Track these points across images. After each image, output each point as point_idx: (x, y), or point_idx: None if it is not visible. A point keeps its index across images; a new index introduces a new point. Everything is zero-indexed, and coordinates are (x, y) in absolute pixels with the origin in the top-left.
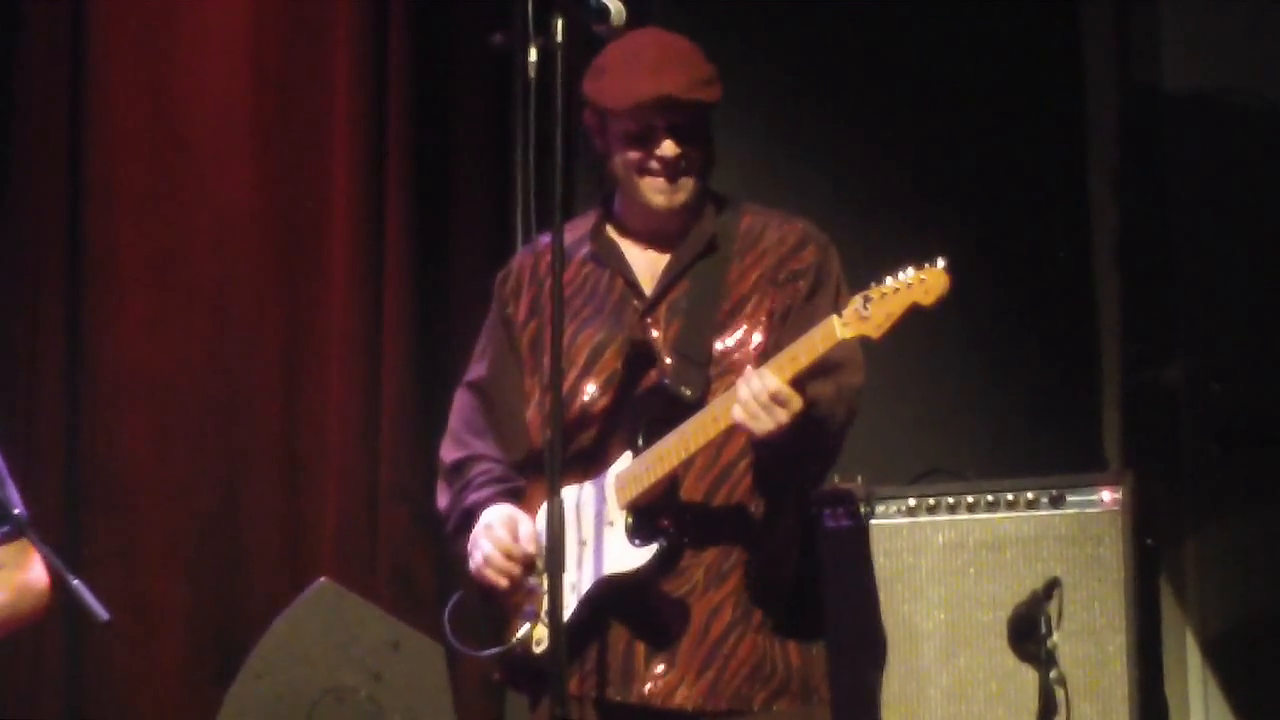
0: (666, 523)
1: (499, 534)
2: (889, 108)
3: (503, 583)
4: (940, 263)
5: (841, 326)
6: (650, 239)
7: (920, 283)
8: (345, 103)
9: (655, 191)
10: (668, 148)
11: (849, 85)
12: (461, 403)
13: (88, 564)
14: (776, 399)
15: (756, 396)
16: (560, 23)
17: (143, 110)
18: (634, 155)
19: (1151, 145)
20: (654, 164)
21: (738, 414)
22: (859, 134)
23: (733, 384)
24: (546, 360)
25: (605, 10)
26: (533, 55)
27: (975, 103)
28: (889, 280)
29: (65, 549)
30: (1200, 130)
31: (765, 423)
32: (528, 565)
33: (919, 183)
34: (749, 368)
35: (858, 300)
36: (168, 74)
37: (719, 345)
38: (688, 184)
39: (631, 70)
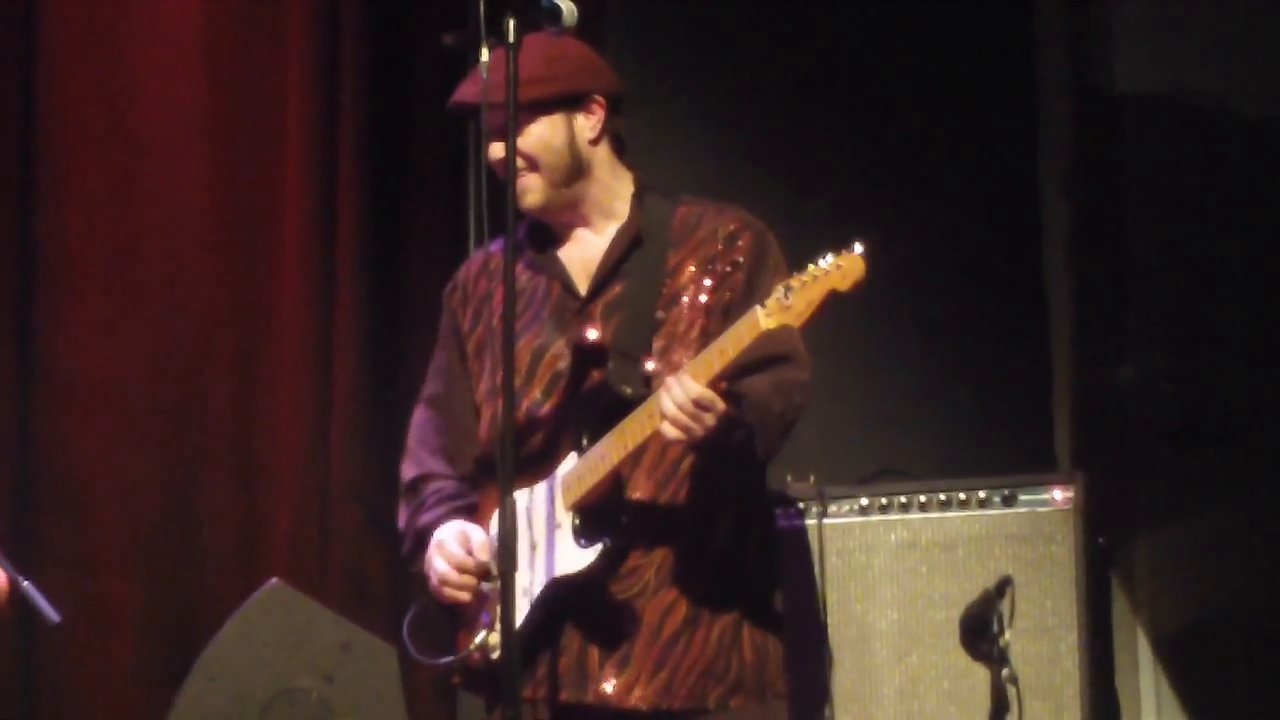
0: (614, 523)
1: (451, 550)
2: (840, 108)
3: (463, 597)
4: (858, 248)
5: (765, 317)
6: (577, 238)
7: (838, 269)
8: (298, 103)
9: (512, 196)
10: (491, 150)
11: (800, 86)
12: (418, 420)
13: (41, 566)
14: (700, 405)
15: (682, 407)
16: (513, 24)
17: (95, 110)
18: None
19: (1103, 145)
20: (494, 167)
21: (667, 430)
22: (810, 134)
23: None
24: (490, 367)
25: (558, 11)
26: (485, 56)
27: (927, 103)
28: (810, 268)
29: (17, 551)
30: (1152, 130)
31: (695, 431)
32: (484, 575)
33: (871, 182)
34: (669, 377)
35: (779, 290)
36: (120, 74)
37: (658, 340)
38: (528, 184)
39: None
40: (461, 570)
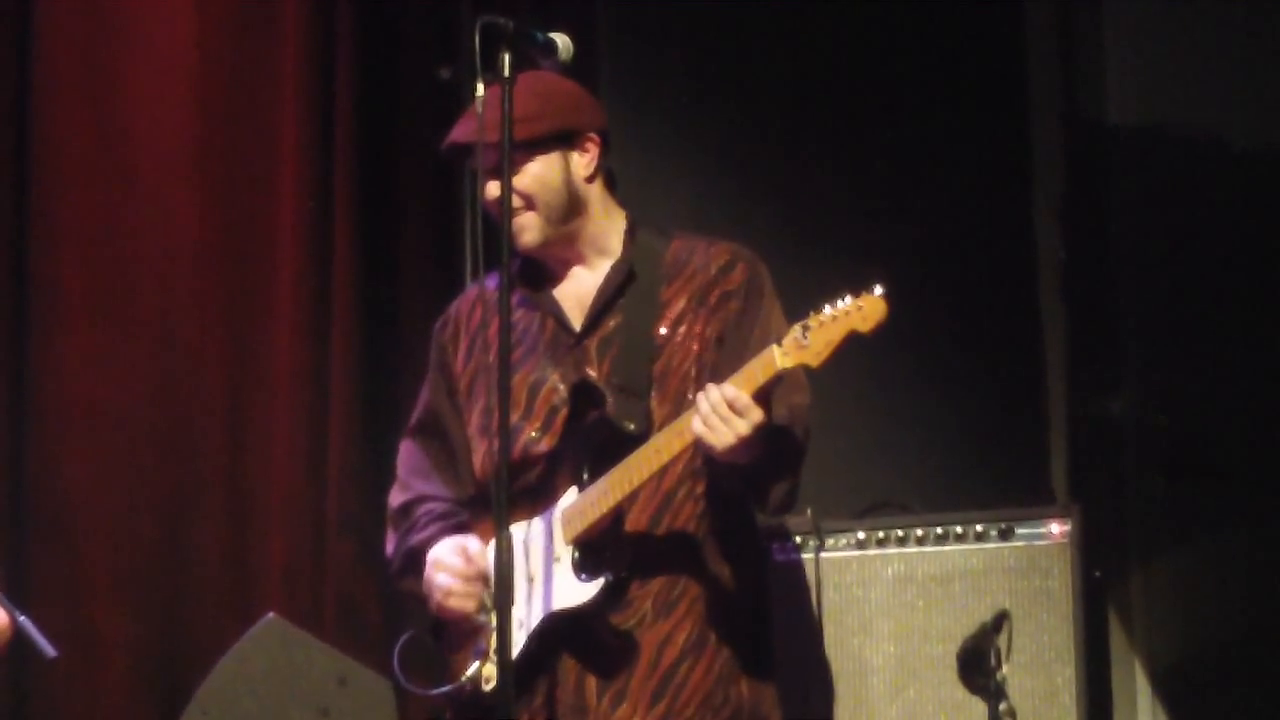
0: (614, 557)
1: (452, 562)
2: (835, 138)
3: (470, 606)
4: (878, 289)
5: (781, 356)
6: (571, 276)
7: (858, 310)
8: (291, 136)
9: (508, 233)
10: (487, 190)
11: (794, 116)
12: (405, 449)
13: (32, 597)
14: (735, 407)
15: (715, 407)
16: (507, 57)
17: (88, 142)
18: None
19: (1096, 177)
20: (491, 207)
21: (697, 427)
22: (804, 164)
23: (672, 413)
24: (484, 402)
25: (553, 45)
26: (480, 90)
27: (921, 132)
28: (827, 308)
29: (9, 583)
30: (1144, 161)
31: (725, 434)
32: (487, 583)
33: (864, 213)
34: (709, 384)
35: (797, 329)
36: (113, 106)
37: (656, 374)
38: (524, 222)
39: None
40: (466, 579)
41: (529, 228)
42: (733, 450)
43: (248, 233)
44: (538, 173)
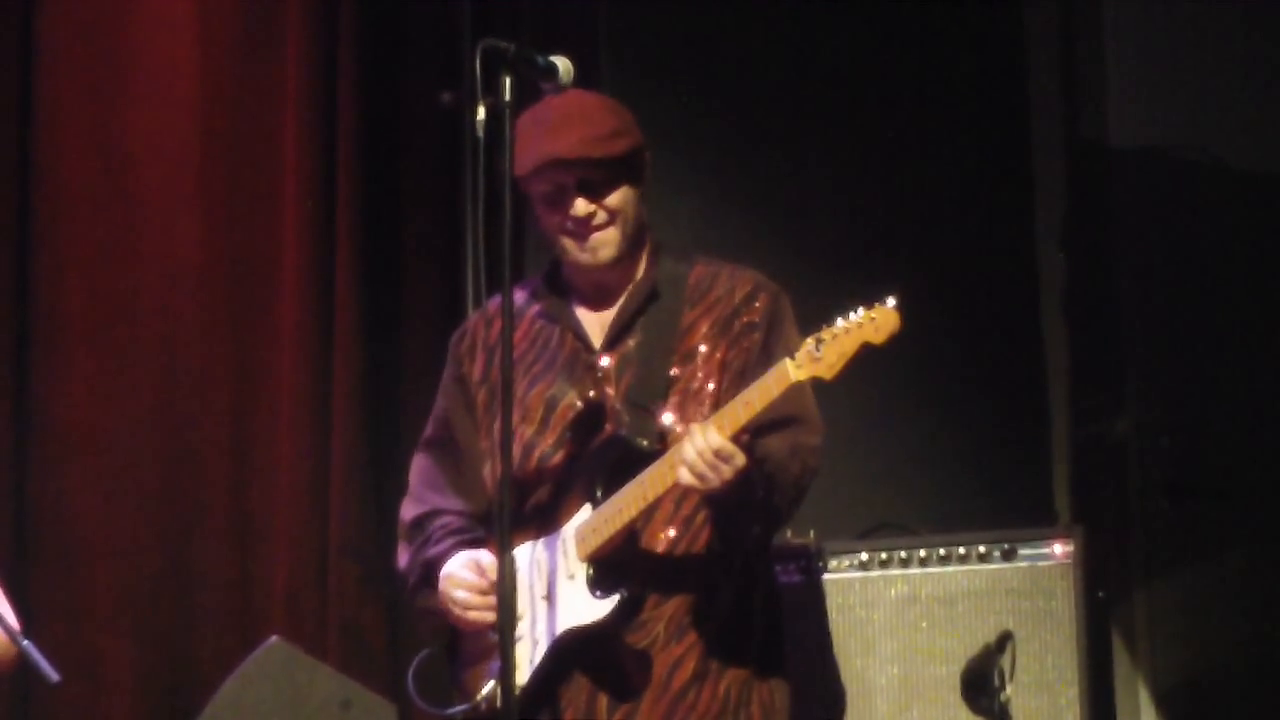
0: (628, 574)
1: (465, 577)
2: (838, 161)
3: (491, 618)
4: (890, 301)
5: (795, 369)
6: (595, 293)
7: (870, 321)
8: (294, 159)
9: (577, 250)
10: (578, 206)
11: (794, 135)
12: (419, 462)
13: (35, 623)
14: (720, 455)
15: (701, 454)
16: (509, 81)
17: (91, 166)
18: (550, 217)
19: (1098, 201)
20: (569, 224)
21: (684, 476)
22: (804, 185)
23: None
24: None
25: (554, 68)
26: (481, 114)
27: (922, 152)
28: (840, 321)
29: (13, 608)
30: (1146, 183)
31: (711, 480)
32: None
33: (867, 237)
34: (693, 425)
35: (810, 342)
36: (116, 131)
37: (672, 395)
38: (608, 238)
39: (531, 135)
40: (483, 592)
41: (610, 243)
42: (718, 492)
43: (250, 256)
44: (627, 192)
